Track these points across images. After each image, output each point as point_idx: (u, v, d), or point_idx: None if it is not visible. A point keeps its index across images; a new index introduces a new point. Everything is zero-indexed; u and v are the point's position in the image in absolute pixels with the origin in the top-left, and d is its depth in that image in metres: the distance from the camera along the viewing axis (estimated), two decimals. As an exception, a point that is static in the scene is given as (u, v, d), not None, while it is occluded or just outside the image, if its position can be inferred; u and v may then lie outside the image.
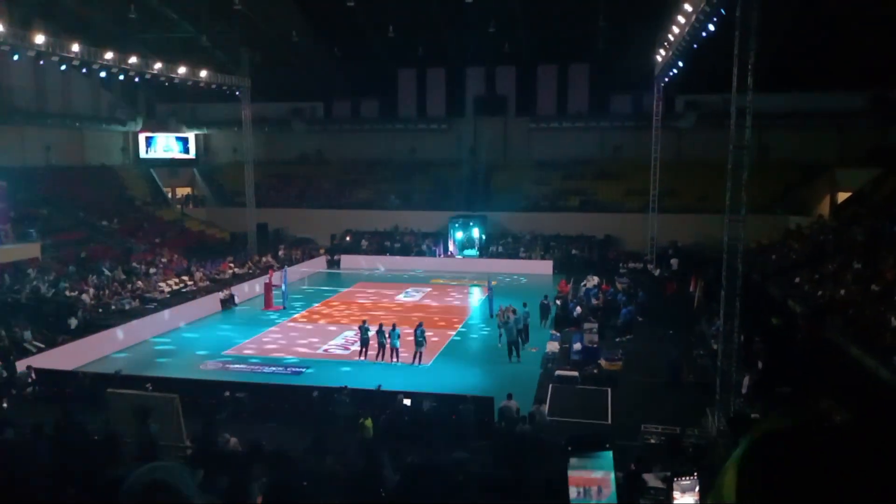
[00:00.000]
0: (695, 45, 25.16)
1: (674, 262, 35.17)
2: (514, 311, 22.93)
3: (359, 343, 22.19)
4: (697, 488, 6.29)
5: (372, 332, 21.84)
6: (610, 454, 5.97)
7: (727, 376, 15.58)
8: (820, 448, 1.22)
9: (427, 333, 21.70)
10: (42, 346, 21.15)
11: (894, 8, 29.19)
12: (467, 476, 9.83)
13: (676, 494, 6.19)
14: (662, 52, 30.56)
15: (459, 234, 40.05)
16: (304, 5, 38.00)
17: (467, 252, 39.97)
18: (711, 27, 22.02)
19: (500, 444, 14.20)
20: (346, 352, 23.03)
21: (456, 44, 41.48)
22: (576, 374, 19.31)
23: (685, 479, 6.22)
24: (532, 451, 13.49)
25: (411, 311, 28.42)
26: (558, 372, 19.57)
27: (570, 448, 6.03)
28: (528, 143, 44.96)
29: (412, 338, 21.54)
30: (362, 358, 21.79)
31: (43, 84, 37.90)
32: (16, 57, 25.43)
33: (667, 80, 33.11)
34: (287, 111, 46.48)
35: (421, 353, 21.36)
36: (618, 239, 40.20)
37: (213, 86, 35.28)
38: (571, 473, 5.71)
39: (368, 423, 14.93)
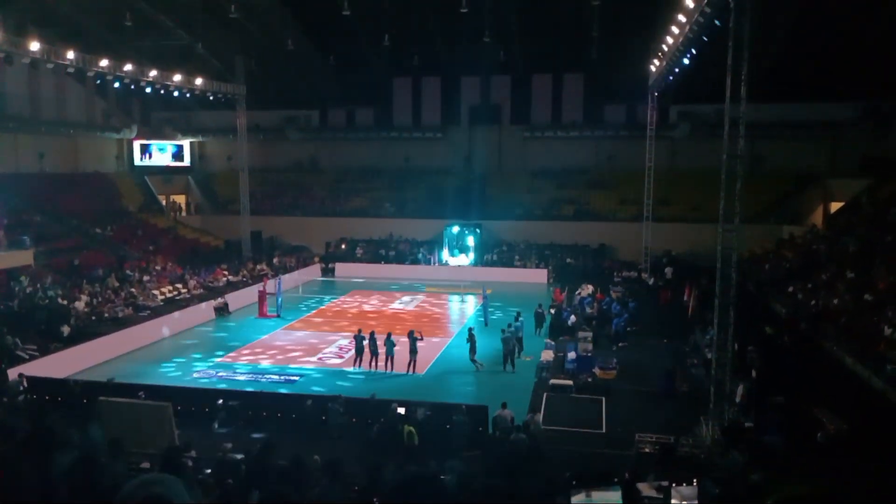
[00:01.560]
0: (688, 56, 25.31)
1: (668, 270, 35.25)
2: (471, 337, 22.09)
3: (353, 351, 22.12)
4: (697, 495, 6.20)
5: (366, 341, 21.78)
6: (619, 490, 5.81)
7: (721, 385, 15.60)
8: None
9: (419, 343, 21.59)
10: (35, 353, 21.02)
11: (886, 19, 29.47)
12: (461, 486, 9.78)
13: (675, 502, 6.10)
14: (656, 62, 30.73)
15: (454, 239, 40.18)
16: (299, 14, 38.08)
17: (456, 254, 39.93)
18: (705, 38, 22.16)
19: (495, 453, 14.15)
20: (341, 360, 22.97)
21: (451, 53, 41.61)
22: (570, 382, 19.31)
23: (685, 486, 6.12)
24: (527, 459, 13.47)
25: (406, 319, 28.35)
26: (553, 381, 19.58)
27: (574, 483, 5.85)
28: (522, 152, 45.07)
29: (405, 346, 21.49)
30: (357, 366, 21.73)
31: (37, 91, 37.83)
32: (10, 64, 25.42)
33: (661, 90, 33.29)
34: (282, 119, 46.50)
35: (415, 361, 21.32)
36: (612, 248, 40.31)
37: (208, 93, 35.33)
38: None
39: (412, 428, 14.87)
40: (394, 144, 46.13)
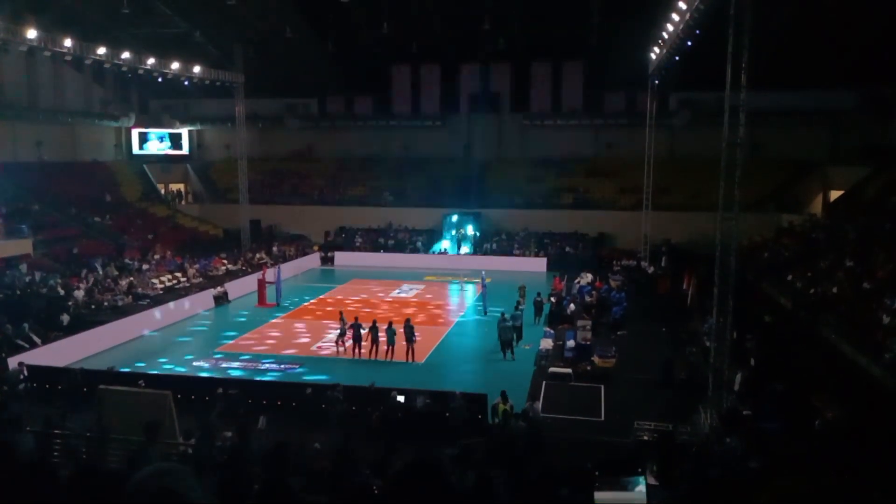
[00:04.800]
0: (689, 43, 25.20)
1: (663, 259, 35.24)
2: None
3: (351, 340, 22.15)
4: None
5: (365, 330, 21.81)
6: (643, 480, 5.62)
7: (719, 373, 15.64)
8: None
9: (420, 333, 21.64)
10: (38, 341, 21.04)
11: (886, 7, 29.31)
12: (461, 473, 9.82)
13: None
14: (657, 49, 30.59)
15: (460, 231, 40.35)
16: (297, 1, 37.84)
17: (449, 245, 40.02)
18: (705, 25, 22.06)
19: (495, 441, 14.20)
20: (341, 349, 22.96)
21: (450, 40, 41.41)
22: (569, 371, 19.36)
23: (633, 492, 5.72)
24: (528, 447, 13.52)
25: (406, 307, 28.37)
26: (552, 369, 19.63)
27: (597, 473, 5.67)
28: (521, 140, 44.96)
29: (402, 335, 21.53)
30: (356, 355, 21.76)
31: (35, 79, 37.66)
32: (7, 52, 25.30)
33: (661, 77, 33.15)
34: (280, 107, 46.33)
35: (413, 349, 21.34)
36: (611, 236, 40.30)
37: (207, 82, 35.17)
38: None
39: (507, 408, 14.90)
40: (393, 133, 46.00)
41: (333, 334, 24.45)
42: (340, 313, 22.44)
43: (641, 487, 5.46)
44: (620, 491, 5.43)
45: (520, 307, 23.85)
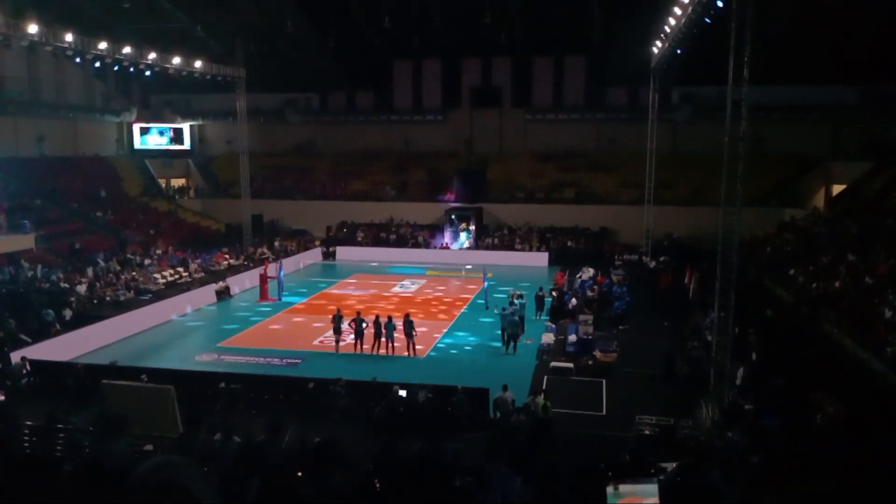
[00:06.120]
0: (691, 38, 25.13)
1: (662, 258, 35.21)
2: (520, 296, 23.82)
3: (353, 335, 22.18)
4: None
5: (367, 325, 21.82)
6: (655, 486, 5.60)
7: (721, 368, 15.65)
8: None
9: (421, 328, 21.62)
10: (62, 328, 21.16)
11: (889, 3, 29.21)
12: (462, 468, 9.84)
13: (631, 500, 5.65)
14: (659, 44, 30.51)
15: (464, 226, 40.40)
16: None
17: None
18: (707, 19, 22.01)
19: (496, 435, 14.22)
20: (342, 343, 22.99)
21: (451, 35, 41.34)
22: (571, 365, 19.39)
23: (645, 485, 5.68)
24: (532, 441, 13.54)
25: (407, 302, 28.40)
26: (553, 363, 19.65)
27: (610, 474, 5.62)
28: (523, 134, 44.93)
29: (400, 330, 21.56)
30: (358, 350, 21.79)
31: (36, 74, 37.68)
32: (9, 47, 25.29)
33: (663, 72, 33.07)
34: (282, 102, 46.32)
35: (413, 344, 21.35)
36: (613, 231, 40.31)
37: (208, 76, 35.12)
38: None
39: (547, 402, 14.95)
40: (394, 127, 45.99)
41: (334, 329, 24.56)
42: (358, 313, 22.34)
43: (654, 486, 5.47)
44: (633, 485, 5.42)
45: (514, 303, 23.84)
